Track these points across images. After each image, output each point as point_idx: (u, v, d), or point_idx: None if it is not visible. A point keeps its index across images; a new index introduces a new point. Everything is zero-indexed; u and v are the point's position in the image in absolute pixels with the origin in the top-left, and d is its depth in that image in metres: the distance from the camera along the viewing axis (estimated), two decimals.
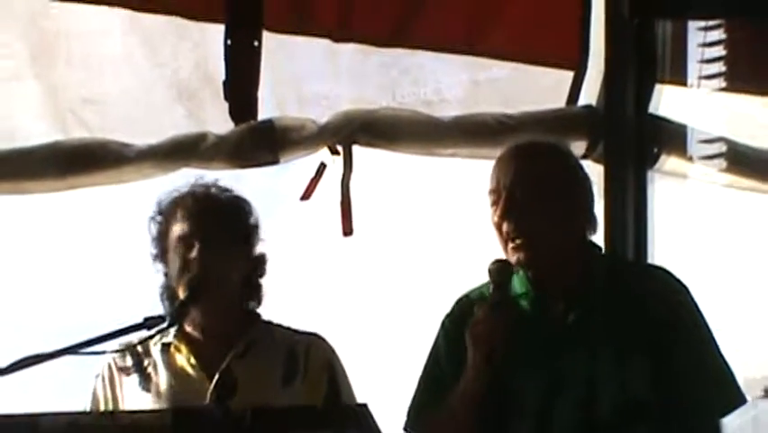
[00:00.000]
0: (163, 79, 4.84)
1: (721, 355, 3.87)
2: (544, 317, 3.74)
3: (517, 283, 3.75)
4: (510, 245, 3.68)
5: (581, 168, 3.96)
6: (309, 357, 3.89)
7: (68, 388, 4.16)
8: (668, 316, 3.76)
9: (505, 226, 3.68)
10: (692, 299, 3.86)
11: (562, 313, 3.72)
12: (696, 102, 5.15)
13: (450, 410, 3.70)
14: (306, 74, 4.94)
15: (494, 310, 3.64)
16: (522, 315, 3.72)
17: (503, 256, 3.72)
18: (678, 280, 3.87)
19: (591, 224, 3.81)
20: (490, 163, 4.96)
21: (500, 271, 3.68)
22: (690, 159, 5.11)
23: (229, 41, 4.79)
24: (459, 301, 3.83)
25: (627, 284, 3.80)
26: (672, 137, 5.06)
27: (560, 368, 3.68)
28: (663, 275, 3.88)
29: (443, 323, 3.84)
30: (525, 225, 3.67)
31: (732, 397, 3.85)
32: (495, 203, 3.73)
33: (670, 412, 3.69)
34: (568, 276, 3.75)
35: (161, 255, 3.91)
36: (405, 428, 3.81)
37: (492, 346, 3.61)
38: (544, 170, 3.81)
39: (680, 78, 5.16)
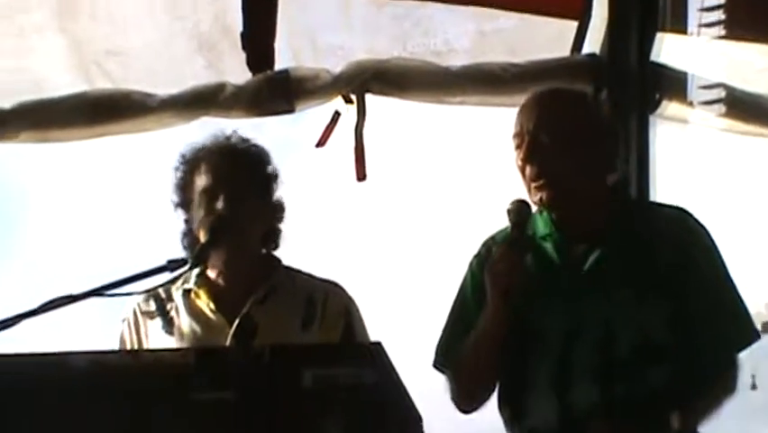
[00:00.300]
0: (183, 32, 4.84)
1: (738, 294, 3.86)
2: (566, 258, 3.73)
3: (541, 224, 3.75)
4: (533, 185, 3.66)
5: (595, 109, 3.97)
6: (327, 304, 3.89)
7: (95, 329, 4.19)
8: (686, 257, 3.75)
9: (528, 169, 3.67)
10: (711, 239, 3.84)
11: (583, 255, 3.70)
12: (696, 49, 5.14)
13: (473, 348, 3.71)
14: (321, 26, 4.94)
15: (511, 249, 3.64)
16: (544, 256, 3.73)
17: (513, 198, 3.69)
18: (697, 222, 3.85)
19: (614, 169, 3.79)
20: (498, 111, 5.05)
21: (518, 211, 3.66)
22: (691, 104, 5.10)
23: None
24: (485, 243, 3.83)
25: (647, 227, 3.79)
26: (673, 83, 5.05)
27: (579, 309, 3.68)
28: (683, 217, 3.85)
29: (471, 264, 3.84)
30: (547, 167, 3.66)
31: (747, 333, 3.85)
32: (519, 146, 3.71)
33: (688, 351, 3.68)
34: (590, 219, 3.74)
35: (183, 203, 3.90)
36: (434, 365, 3.82)
37: (509, 284, 3.60)
38: (568, 116, 3.80)
39: (680, 27, 5.15)
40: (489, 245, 3.81)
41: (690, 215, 3.86)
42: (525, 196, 3.69)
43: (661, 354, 3.66)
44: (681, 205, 3.92)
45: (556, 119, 3.75)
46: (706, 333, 3.74)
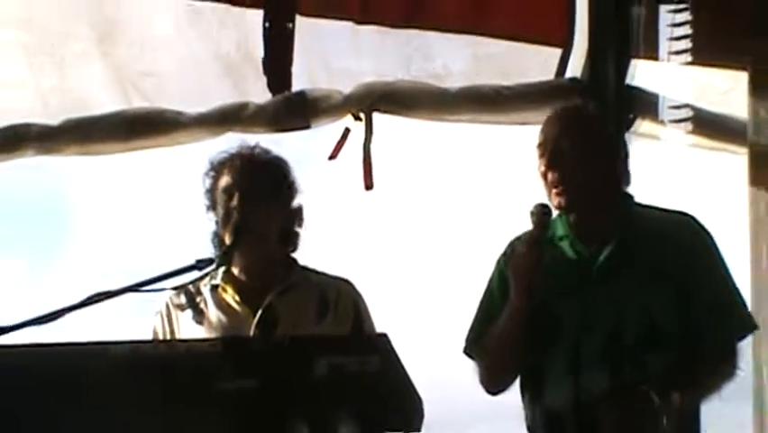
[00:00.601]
0: (211, 57, 4.84)
1: (737, 289, 3.86)
2: (580, 256, 3.73)
3: (560, 227, 3.75)
4: (553, 191, 3.67)
5: (612, 125, 3.99)
6: (339, 299, 3.88)
7: (131, 322, 4.19)
8: (691, 255, 3.75)
9: (549, 175, 3.68)
10: (713, 240, 3.83)
11: (595, 253, 3.70)
12: (666, 74, 5.13)
13: (498, 336, 3.70)
14: (333, 52, 4.94)
15: (532, 248, 3.65)
16: (561, 254, 3.74)
17: (536, 202, 3.71)
18: (699, 224, 3.84)
19: (625, 177, 3.79)
20: (491, 128, 5.06)
21: (540, 213, 3.67)
22: (662, 122, 5.08)
23: (267, 24, 4.79)
24: (511, 243, 3.83)
25: (654, 228, 3.77)
26: (646, 104, 5.05)
27: (590, 302, 3.67)
28: (687, 220, 3.84)
29: (498, 261, 3.85)
30: (566, 174, 3.66)
31: (746, 324, 3.86)
32: (542, 155, 3.72)
33: (691, 339, 3.68)
34: (602, 221, 3.73)
35: (212, 206, 3.90)
36: (464, 352, 3.83)
37: (530, 279, 3.61)
38: (586, 130, 3.81)
39: (652, 54, 5.13)
40: (513, 245, 3.80)
41: (694, 218, 3.85)
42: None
43: (665, 342, 3.65)
44: None
45: (576, 132, 3.76)
46: (709, 324, 3.73)
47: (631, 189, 3.90)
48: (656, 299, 3.68)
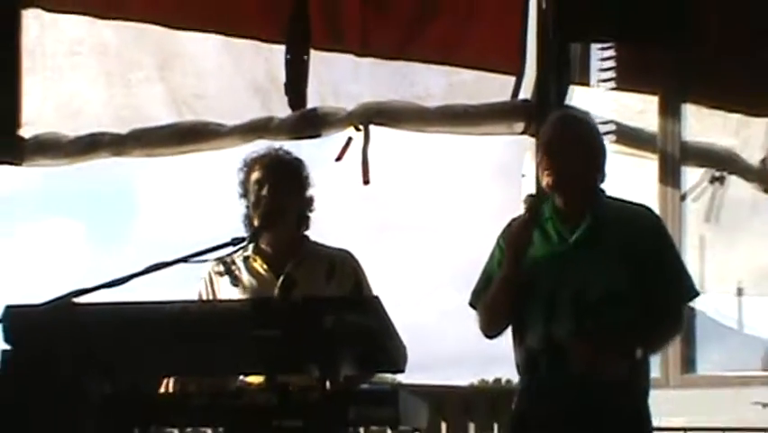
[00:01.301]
0: (245, 82, 4.83)
1: (684, 265, 3.88)
2: (559, 233, 3.69)
3: (547, 210, 3.70)
4: (545, 173, 3.64)
5: (600, 135, 3.92)
6: (343, 265, 3.85)
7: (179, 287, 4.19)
8: (648, 235, 3.73)
9: (543, 161, 3.65)
10: (665, 226, 3.87)
11: (571, 231, 3.67)
12: (595, 97, 5.16)
13: (493, 293, 3.69)
14: (339, 79, 4.93)
15: (523, 224, 3.63)
16: (546, 231, 3.70)
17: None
18: (653, 212, 3.87)
19: (601, 174, 3.75)
20: (461, 137, 5.06)
21: (530, 200, 3.67)
22: None
23: (288, 56, 4.78)
24: (509, 223, 3.78)
25: (619, 215, 3.75)
26: None
27: (565, 267, 3.65)
28: (645, 209, 3.85)
29: (498, 239, 3.80)
30: (556, 162, 3.64)
31: (691, 291, 3.84)
32: (538, 149, 3.75)
33: (646, 301, 3.67)
34: (579, 205, 3.69)
35: (244, 195, 3.87)
36: (469, 304, 3.80)
37: (519, 246, 3.61)
38: (575, 128, 3.79)
39: (585, 81, 5.18)
40: (510, 224, 3.77)
41: (650, 209, 3.88)
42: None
43: (623, 301, 3.63)
44: None
45: (569, 132, 3.75)
46: (665, 290, 3.72)
47: None
48: (618, 269, 3.66)
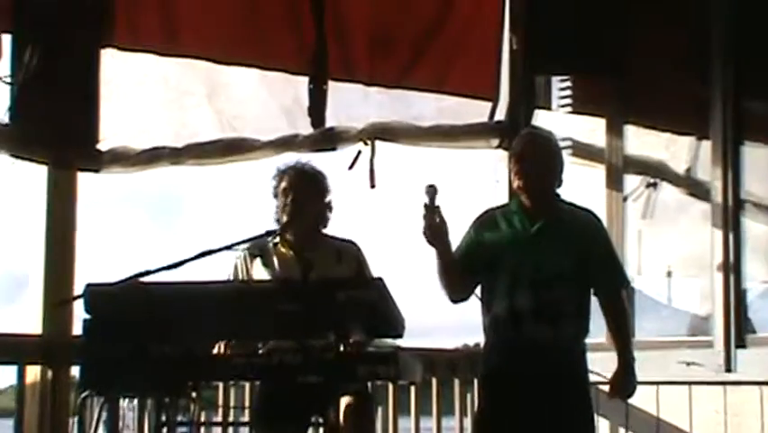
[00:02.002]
0: (276, 105, 4.79)
1: (617, 258, 3.92)
2: (522, 225, 3.69)
3: (514, 205, 3.73)
4: (515, 178, 3.65)
5: (560, 149, 3.90)
6: (348, 252, 3.85)
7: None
8: (592, 232, 3.76)
9: (514, 171, 3.66)
10: (603, 226, 3.89)
11: (532, 224, 3.66)
12: (556, 118, 5.16)
13: (438, 269, 3.67)
14: (351, 103, 4.90)
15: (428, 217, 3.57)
16: (511, 223, 3.70)
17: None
18: (597, 216, 3.87)
19: (559, 181, 3.73)
20: (449, 151, 5.04)
21: (430, 191, 3.57)
22: None
23: (311, 86, 4.75)
24: (480, 215, 3.78)
25: (570, 215, 3.74)
26: None
27: (525, 252, 3.65)
28: (588, 212, 3.84)
29: (470, 225, 3.79)
30: (525, 168, 3.64)
31: (625, 280, 3.90)
32: (510, 158, 3.74)
33: (587, 283, 3.69)
34: (540, 205, 3.67)
35: (276, 196, 3.88)
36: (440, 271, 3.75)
37: (431, 237, 3.56)
38: (541, 143, 3.78)
39: (548, 106, 5.18)
40: (481, 216, 3.78)
41: (593, 212, 3.87)
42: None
43: (568, 282, 3.63)
44: None
45: (536, 147, 3.74)
46: (604, 276, 3.74)
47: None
48: (565, 257, 3.65)
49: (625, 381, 3.67)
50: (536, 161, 3.67)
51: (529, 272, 3.63)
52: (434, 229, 3.57)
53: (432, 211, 3.56)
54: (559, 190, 3.77)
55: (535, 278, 3.62)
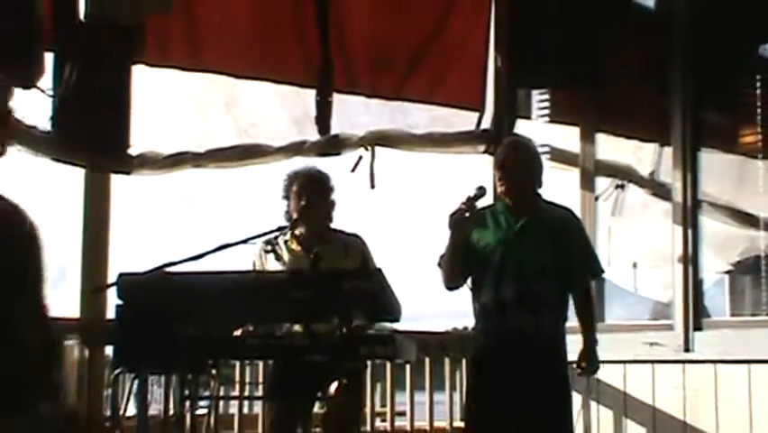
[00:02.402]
0: (287, 115, 4.76)
1: (593, 251, 3.94)
2: (508, 223, 3.69)
3: (500, 206, 3.73)
4: (499, 183, 3.66)
5: (539, 155, 3.90)
6: (354, 246, 3.83)
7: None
8: (571, 228, 3.76)
9: (498, 174, 3.66)
10: (580, 222, 3.90)
11: (516, 222, 3.67)
12: (535, 127, 5.12)
13: (446, 259, 3.69)
14: (354, 113, 4.86)
15: (460, 219, 3.58)
16: (497, 221, 3.70)
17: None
18: (574, 214, 3.89)
19: (539, 182, 3.74)
20: (441, 155, 5.02)
21: (476, 194, 3.59)
22: None
23: (318, 98, 4.73)
24: (452, 213, 3.69)
25: (550, 213, 3.74)
26: None
27: (510, 246, 3.64)
28: (567, 210, 3.85)
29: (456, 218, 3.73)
30: (507, 175, 3.64)
31: (600, 269, 3.90)
32: (495, 164, 3.72)
33: (568, 275, 3.68)
34: (523, 206, 3.68)
35: (287, 197, 3.86)
36: (437, 264, 3.76)
37: (459, 234, 3.61)
38: (522, 151, 3.78)
39: (528, 115, 5.15)
40: (453, 214, 3.69)
41: (571, 210, 3.89)
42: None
43: (549, 273, 3.62)
44: None
45: (516, 152, 3.74)
46: (582, 268, 3.75)
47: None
48: (547, 251, 3.64)
49: (591, 359, 3.68)
50: (518, 168, 3.67)
51: (513, 266, 3.63)
52: (459, 219, 3.58)
53: (469, 204, 3.58)
54: (540, 191, 3.76)
55: (519, 271, 3.62)
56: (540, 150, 4.12)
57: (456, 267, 3.69)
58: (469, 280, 3.75)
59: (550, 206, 3.78)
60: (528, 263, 3.62)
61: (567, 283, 3.70)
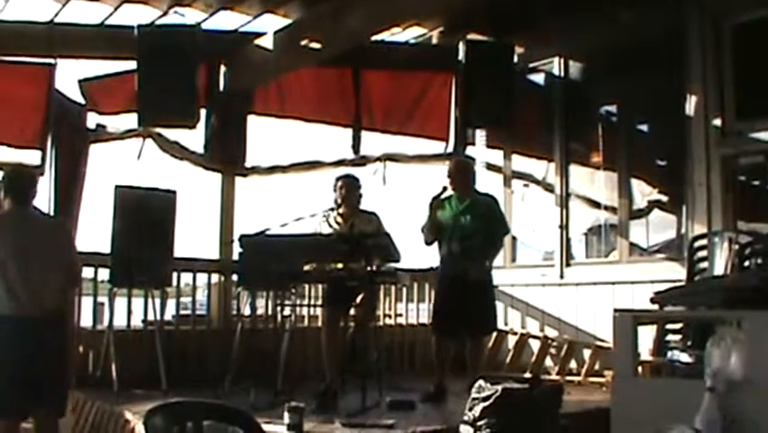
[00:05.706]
0: (335, 143, 4.77)
1: (505, 219, 3.85)
2: (457, 206, 3.61)
3: (452, 196, 3.63)
4: (450, 183, 3.59)
5: (473, 165, 3.84)
6: (373, 218, 3.67)
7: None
8: (491, 207, 3.68)
9: (449, 180, 3.60)
10: (498, 203, 3.76)
11: (460, 204, 3.60)
12: (478, 150, 4.96)
13: (427, 225, 3.60)
14: (373, 142, 4.80)
15: (434, 203, 3.58)
16: (450, 205, 3.63)
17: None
18: (494, 197, 3.75)
19: (474, 181, 3.66)
20: (429, 167, 4.81)
21: (435, 197, 3.59)
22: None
23: (353, 133, 4.70)
24: (432, 199, 3.65)
25: (483, 198, 3.66)
26: None
27: (457, 221, 3.58)
28: (491, 197, 3.75)
29: (429, 202, 3.58)
30: (453, 177, 3.60)
31: (508, 229, 3.84)
32: (447, 172, 3.65)
33: (491, 235, 3.62)
34: (465, 195, 3.60)
35: (335, 191, 3.71)
36: (420, 229, 3.64)
37: (434, 210, 3.55)
38: (461, 164, 3.75)
39: (473, 143, 4.98)
40: (433, 199, 3.64)
41: (494, 197, 3.77)
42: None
43: (479, 235, 3.55)
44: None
45: (458, 165, 3.70)
46: (498, 229, 3.67)
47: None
48: (479, 221, 3.58)
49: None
50: (459, 174, 3.64)
51: (459, 231, 3.62)
52: (433, 203, 3.56)
53: (437, 195, 3.53)
54: (477, 186, 3.72)
55: (462, 234, 3.60)
56: (479, 163, 4.10)
57: (430, 232, 3.67)
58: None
59: (482, 195, 3.77)
60: (467, 229, 3.60)
61: (490, 239, 3.67)
